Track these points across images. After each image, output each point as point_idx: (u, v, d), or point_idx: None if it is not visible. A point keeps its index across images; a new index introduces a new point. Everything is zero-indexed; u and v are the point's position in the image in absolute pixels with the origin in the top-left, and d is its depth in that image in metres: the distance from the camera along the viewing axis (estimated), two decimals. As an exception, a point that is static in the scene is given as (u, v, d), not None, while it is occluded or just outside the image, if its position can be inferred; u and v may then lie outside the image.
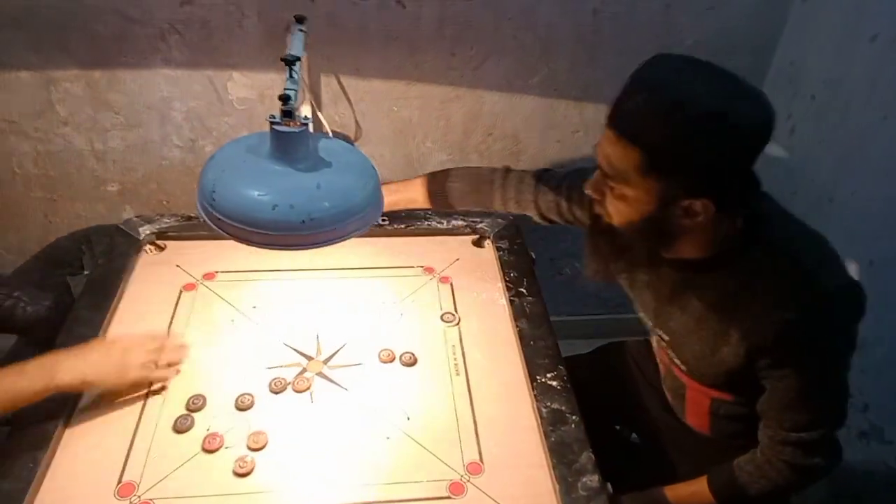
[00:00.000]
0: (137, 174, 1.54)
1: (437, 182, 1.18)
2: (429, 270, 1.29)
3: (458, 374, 1.09)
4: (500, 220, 1.37)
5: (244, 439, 0.96)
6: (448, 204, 1.18)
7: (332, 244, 0.83)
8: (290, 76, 0.88)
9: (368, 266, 1.29)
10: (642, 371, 1.18)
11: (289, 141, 0.82)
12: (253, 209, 0.79)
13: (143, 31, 1.32)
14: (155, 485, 0.89)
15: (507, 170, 1.16)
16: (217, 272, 1.26)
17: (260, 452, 0.95)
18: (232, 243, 1.28)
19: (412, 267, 1.30)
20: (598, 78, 1.46)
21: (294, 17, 1.15)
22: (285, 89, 0.85)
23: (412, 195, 1.20)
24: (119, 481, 0.89)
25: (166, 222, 1.34)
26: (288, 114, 0.81)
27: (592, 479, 0.91)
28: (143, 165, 1.52)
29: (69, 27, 1.29)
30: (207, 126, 1.48)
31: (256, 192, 0.80)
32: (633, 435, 1.29)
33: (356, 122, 1.47)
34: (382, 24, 1.35)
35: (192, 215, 1.36)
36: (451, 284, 1.26)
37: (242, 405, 1.01)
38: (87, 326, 1.11)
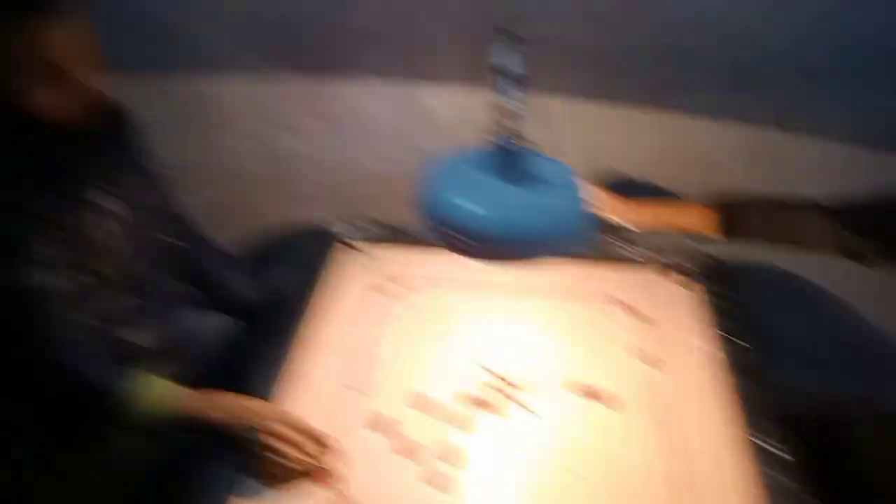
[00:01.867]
0: (345, 182, 1.63)
1: (730, 205, 1.04)
2: (623, 305, 1.22)
3: (662, 424, 1.00)
4: (702, 257, 1.27)
5: (437, 451, 0.96)
6: (744, 234, 1.04)
7: (545, 260, 0.82)
8: (513, 94, 0.88)
9: (563, 290, 1.25)
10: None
11: (510, 158, 0.82)
12: (472, 221, 0.80)
13: (355, 44, 1.39)
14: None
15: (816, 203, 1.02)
16: (416, 281, 1.29)
17: (453, 467, 0.95)
18: (431, 253, 1.35)
19: (607, 295, 1.24)
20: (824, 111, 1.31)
21: (511, 35, 1.16)
22: (509, 107, 0.84)
23: (686, 217, 1.06)
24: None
25: (371, 229, 1.41)
26: (512, 131, 0.81)
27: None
28: (351, 174, 1.62)
29: (297, 37, 1.41)
30: (414, 141, 1.53)
31: (476, 205, 0.80)
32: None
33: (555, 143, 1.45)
34: (590, 45, 1.31)
35: (396, 224, 1.42)
36: (652, 322, 1.18)
37: (433, 416, 1.02)
38: (295, 317, 1.19)
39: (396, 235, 1.38)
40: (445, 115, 1.48)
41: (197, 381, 1.23)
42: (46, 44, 0.86)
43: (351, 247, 1.37)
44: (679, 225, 1.05)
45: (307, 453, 0.93)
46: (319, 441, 0.95)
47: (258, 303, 1.34)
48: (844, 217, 0.96)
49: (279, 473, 0.93)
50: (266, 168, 1.63)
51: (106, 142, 1.04)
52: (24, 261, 0.91)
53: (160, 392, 0.96)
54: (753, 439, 0.95)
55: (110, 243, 1.02)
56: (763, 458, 0.92)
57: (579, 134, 1.43)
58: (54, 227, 0.94)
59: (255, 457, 0.93)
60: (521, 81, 0.89)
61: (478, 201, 0.82)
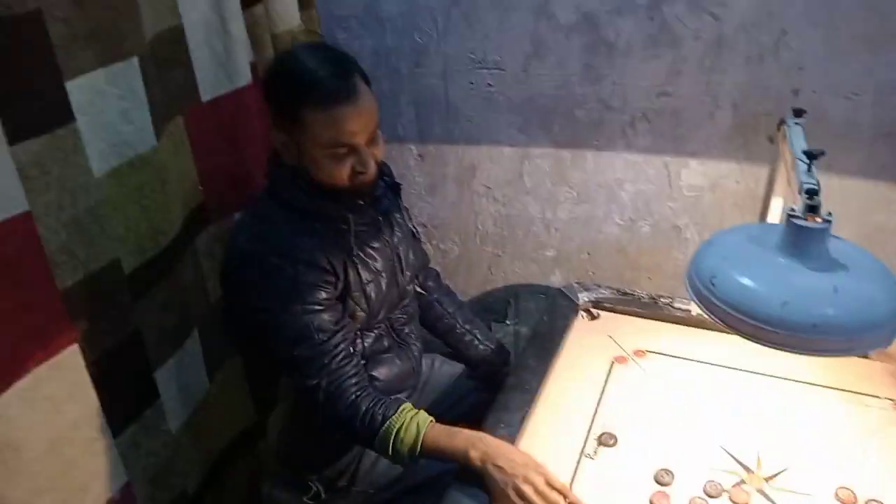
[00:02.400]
0: (573, 244, 1.67)
1: None
2: (902, 406, 1.08)
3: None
4: None
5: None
6: None
7: (841, 356, 0.75)
8: (809, 170, 0.84)
9: (824, 384, 1.14)
10: None
11: (806, 237, 0.77)
12: (760, 303, 0.76)
13: (616, 118, 1.44)
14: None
15: None
16: (648, 351, 1.26)
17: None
18: (663, 325, 1.32)
19: (879, 398, 1.10)
20: None
21: (793, 110, 1.11)
22: (805, 183, 0.81)
23: None
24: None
25: (602, 293, 1.41)
26: (813, 209, 0.76)
27: None
28: (580, 237, 1.65)
29: (556, 112, 1.49)
30: (650, 208, 1.53)
31: (765, 286, 0.76)
32: None
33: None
34: (876, 120, 1.21)
35: (627, 290, 1.41)
36: (939, 431, 1.03)
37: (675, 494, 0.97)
38: (532, 374, 1.21)
39: (629, 303, 1.35)
40: (699, 187, 1.45)
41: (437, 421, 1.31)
42: (346, 130, 1.00)
43: (590, 313, 1.38)
44: None
45: None
46: (572, 500, 0.95)
47: (492, 358, 1.40)
48: None
49: None
50: (510, 230, 1.71)
51: (377, 202, 1.18)
52: (314, 302, 1.06)
53: (422, 424, 1.03)
54: None
55: (370, 290, 1.14)
56: None
57: (853, 215, 1.31)
58: (333, 275, 1.08)
59: (501, 498, 0.95)
60: (816, 158, 0.85)
61: (763, 280, 0.78)
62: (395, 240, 1.22)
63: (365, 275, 1.13)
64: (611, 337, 1.31)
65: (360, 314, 1.14)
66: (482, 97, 1.55)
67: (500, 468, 0.96)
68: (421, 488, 1.20)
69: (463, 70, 1.53)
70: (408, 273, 1.25)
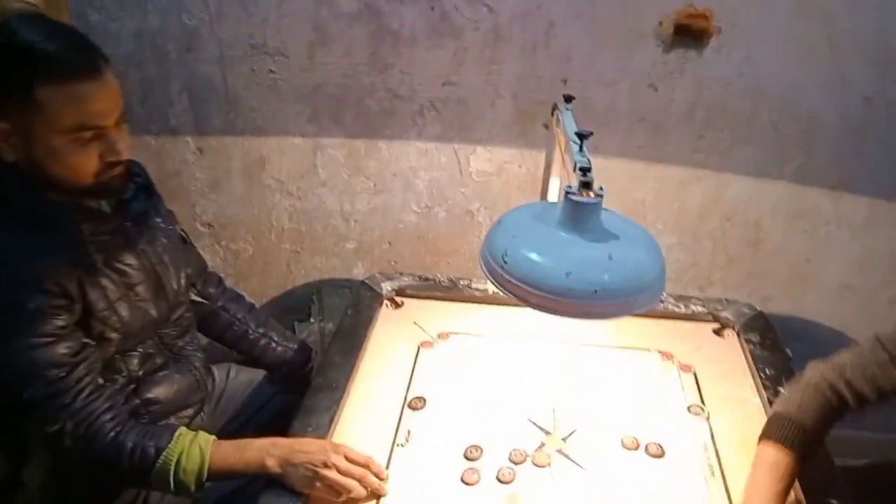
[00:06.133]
0: (374, 234, 1.65)
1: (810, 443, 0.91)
2: (667, 356, 1.23)
3: (713, 476, 0.99)
4: (745, 310, 1.28)
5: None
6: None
7: (618, 318, 0.82)
8: (581, 150, 0.90)
9: (603, 344, 1.26)
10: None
11: (582, 211, 0.83)
12: (546, 275, 0.80)
13: (406, 107, 1.45)
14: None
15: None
16: (451, 332, 1.29)
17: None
18: (464, 306, 1.37)
19: (649, 350, 1.24)
20: (861, 170, 1.35)
21: (564, 96, 1.20)
22: (579, 162, 0.87)
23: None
24: None
25: (405, 280, 1.42)
26: (586, 185, 0.82)
27: None
28: (380, 227, 1.64)
29: (346, 102, 1.46)
30: (445, 195, 1.56)
31: (550, 259, 0.81)
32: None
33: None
34: (632, 107, 1.36)
35: (429, 276, 1.43)
36: (695, 374, 1.18)
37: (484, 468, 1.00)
38: (338, 371, 1.17)
39: (431, 289, 1.38)
40: (488, 173, 1.51)
41: (238, 433, 1.21)
42: (93, 110, 0.87)
43: (392, 301, 1.38)
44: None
45: (370, 484, 0.93)
46: (376, 471, 0.96)
47: (293, 358, 1.33)
48: None
49: (334, 497, 0.93)
50: (307, 224, 1.64)
51: (124, 206, 1.03)
52: (42, 334, 0.89)
53: (205, 446, 0.94)
54: (805, 492, 0.93)
55: (122, 309, 0.99)
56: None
57: (615, 191, 1.46)
58: (64, 298, 0.91)
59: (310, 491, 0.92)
60: (586, 138, 0.92)
61: (547, 253, 0.82)
62: (158, 248, 1.08)
63: (113, 292, 0.98)
64: (416, 323, 1.32)
65: (113, 336, 0.99)
66: (266, 85, 1.46)
67: (298, 465, 0.92)
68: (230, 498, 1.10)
69: (241, 56, 1.42)
70: (178, 283, 1.11)
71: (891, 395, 0.90)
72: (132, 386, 1.05)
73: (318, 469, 0.92)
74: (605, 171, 1.45)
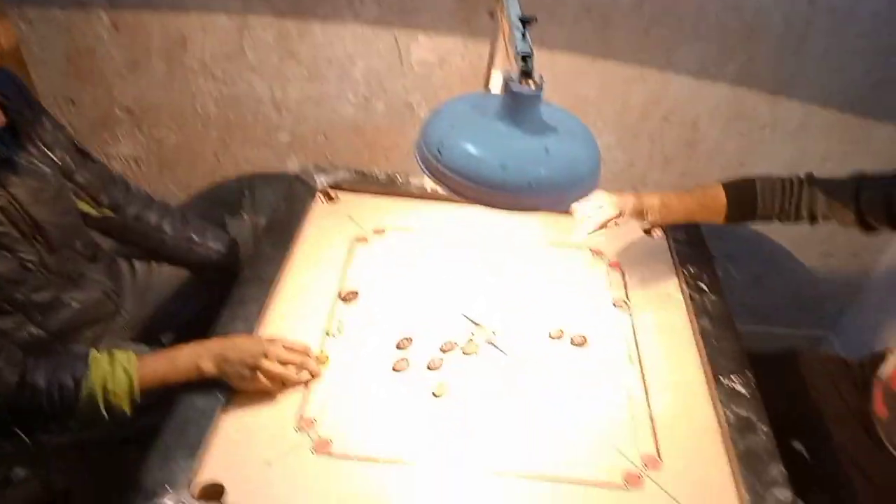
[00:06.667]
0: (308, 126, 1.58)
1: (741, 190, 1.13)
2: (597, 253, 1.25)
3: (631, 363, 1.05)
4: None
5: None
6: (751, 215, 1.13)
7: (553, 210, 0.82)
8: (524, 37, 0.86)
9: (535, 241, 1.27)
10: (838, 390, 1.10)
11: (521, 102, 0.80)
12: (481, 167, 0.78)
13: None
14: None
15: (811, 176, 1.11)
16: (386, 228, 1.28)
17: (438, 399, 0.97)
18: (411, 202, 1.34)
19: (581, 248, 1.26)
20: (800, 73, 1.36)
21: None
22: (521, 50, 0.83)
23: (707, 203, 1.14)
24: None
25: (340, 174, 1.37)
26: (527, 74, 0.79)
27: (785, 494, 0.85)
28: (314, 118, 1.56)
29: (275, -23, 1.33)
30: (384, 86, 1.49)
31: (486, 151, 0.78)
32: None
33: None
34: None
35: (365, 171, 1.38)
36: (622, 271, 1.22)
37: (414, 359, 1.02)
38: (270, 264, 1.15)
39: (367, 183, 1.35)
40: (429, 63, 1.44)
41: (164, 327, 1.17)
42: None
43: (327, 195, 1.34)
44: (702, 208, 1.15)
45: (308, 368, 0.96)
46: (312, 354, 0.99)
47: (218, 259, 1.29)
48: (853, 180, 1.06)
49: (276, 388, 0.94)
50: (236, 112, 1.54)
51: None
52: None
53: (130, 366, 0.92)
54: (717, 377, 1.01)
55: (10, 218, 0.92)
56: (724, 394, 0.98)
57: (560, 85, 1.43)
58: None
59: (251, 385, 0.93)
60: (530, 24, 0.87)
61: (484, 145, 0.80)
62: (31, 185, 0.96)
63: None
64: (350, 217, 1.30)
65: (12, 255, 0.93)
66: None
67: (235, 362, 0.91)
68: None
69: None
70: (61, 216, 1.02)
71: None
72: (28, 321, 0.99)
73: (257, 362, 0.91)
74: (550, 64, 1.41)
